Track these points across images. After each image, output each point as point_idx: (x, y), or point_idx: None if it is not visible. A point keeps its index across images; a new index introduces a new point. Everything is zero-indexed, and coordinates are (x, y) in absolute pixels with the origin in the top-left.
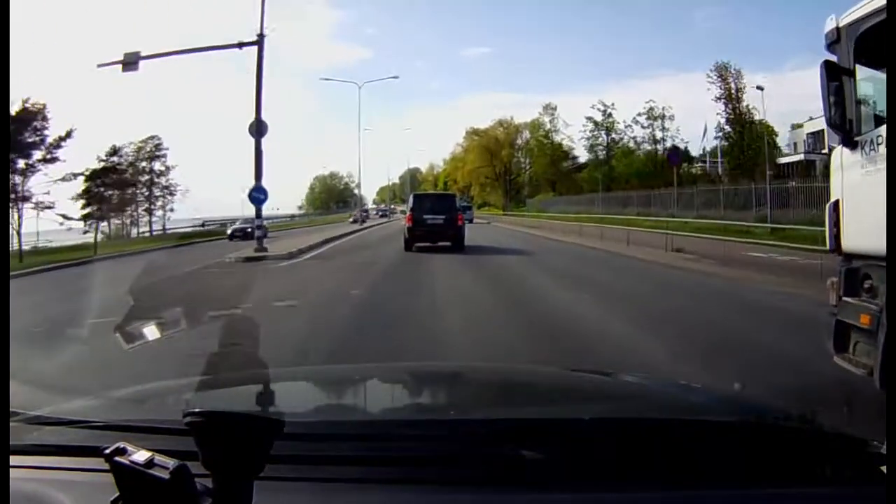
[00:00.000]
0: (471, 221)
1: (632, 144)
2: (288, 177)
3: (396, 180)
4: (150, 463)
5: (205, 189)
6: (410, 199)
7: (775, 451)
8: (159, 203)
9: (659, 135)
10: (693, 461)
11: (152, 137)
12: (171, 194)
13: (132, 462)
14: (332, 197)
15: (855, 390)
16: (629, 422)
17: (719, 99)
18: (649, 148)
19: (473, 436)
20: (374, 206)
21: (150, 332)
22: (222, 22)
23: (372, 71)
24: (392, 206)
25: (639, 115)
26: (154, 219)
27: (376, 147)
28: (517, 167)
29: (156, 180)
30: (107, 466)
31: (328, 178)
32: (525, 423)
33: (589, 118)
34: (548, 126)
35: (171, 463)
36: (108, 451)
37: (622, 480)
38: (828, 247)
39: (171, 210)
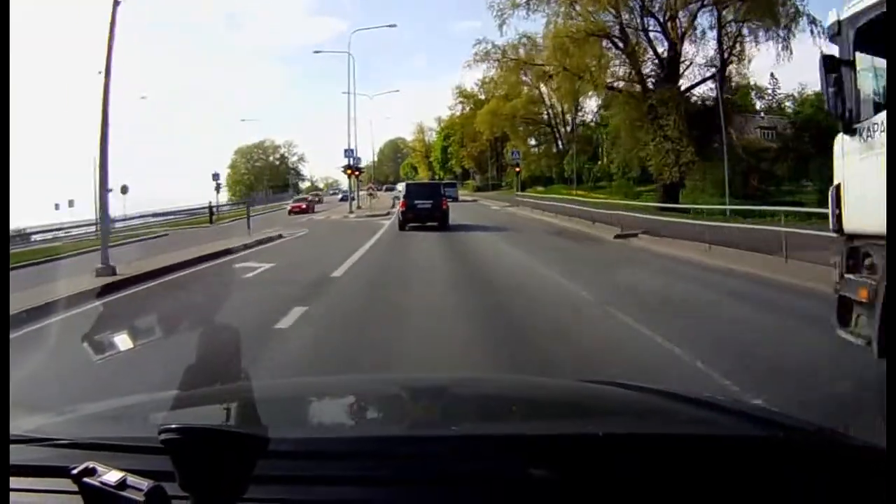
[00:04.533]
0: (455, 199)
1: None
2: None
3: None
4: (122, 484)
5: None
6: (403, 188)
7: (790, 461)
8: None
9: None
10: (718, 481)
11: None
12: None
13: (102, 483)
14: (275, 178)
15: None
16: (649, 438)
17: None
18: None
19: (477, 454)
20: (342, 191)
21: None
22: None
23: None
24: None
25: None
26: None
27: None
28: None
29: None
30: (75, 488)
31: (254, 149)
32: (534, 440)
33: None
34: None
35: (145, 484)
36: (75, 472)
37: (642, 502)
38: (831, 228)
39: None
